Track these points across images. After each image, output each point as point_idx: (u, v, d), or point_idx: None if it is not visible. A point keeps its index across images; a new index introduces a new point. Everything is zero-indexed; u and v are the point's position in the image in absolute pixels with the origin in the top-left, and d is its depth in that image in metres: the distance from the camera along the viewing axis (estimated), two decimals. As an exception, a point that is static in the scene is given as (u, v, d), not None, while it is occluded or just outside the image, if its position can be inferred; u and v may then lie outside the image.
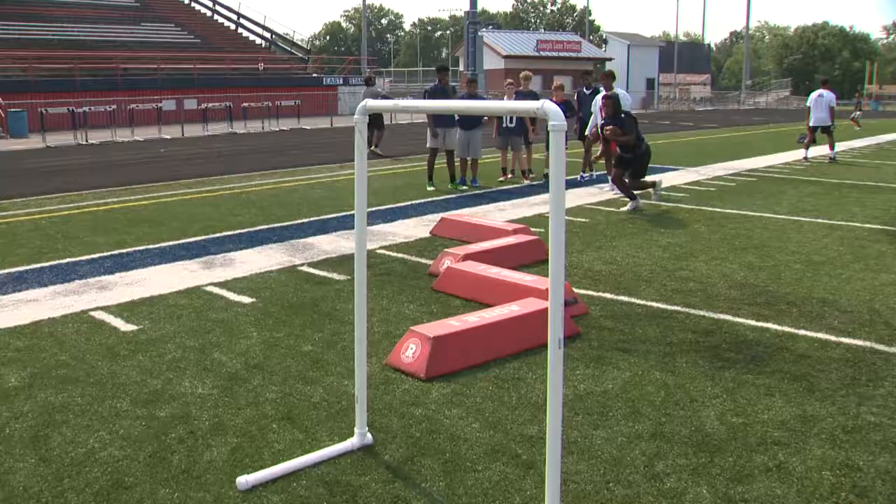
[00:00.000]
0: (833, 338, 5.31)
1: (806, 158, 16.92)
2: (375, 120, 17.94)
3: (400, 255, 7.82)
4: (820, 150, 17.92)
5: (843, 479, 3.43)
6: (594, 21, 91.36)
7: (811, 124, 17.14)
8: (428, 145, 12.78)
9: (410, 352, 4.71)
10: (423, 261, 7.56)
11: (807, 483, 3.40)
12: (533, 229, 8.44)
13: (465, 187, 12.69)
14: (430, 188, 12.38)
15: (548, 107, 2.58)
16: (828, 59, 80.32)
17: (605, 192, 12.02)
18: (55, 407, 4.22)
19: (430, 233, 8.88)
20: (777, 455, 3.65)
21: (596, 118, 12.43)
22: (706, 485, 3.39)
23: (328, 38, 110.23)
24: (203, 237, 8.74)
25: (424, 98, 14.28)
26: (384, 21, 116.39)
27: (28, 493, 3.33)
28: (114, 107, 25.45)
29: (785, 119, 36.47)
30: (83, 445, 3.76)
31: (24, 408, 4.20)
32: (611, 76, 12.80)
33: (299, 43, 47.30)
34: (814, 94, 17.36)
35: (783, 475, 3.47)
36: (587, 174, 13.81)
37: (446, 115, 12.31)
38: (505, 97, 13.92)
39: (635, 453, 3.67)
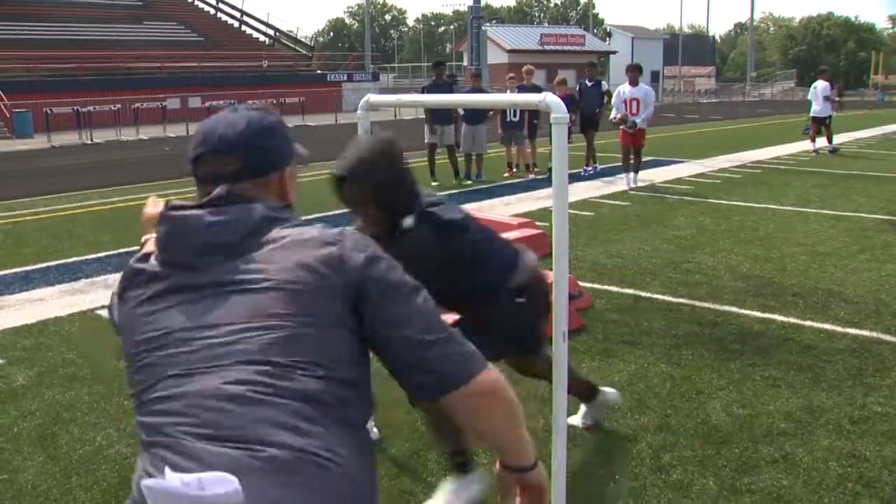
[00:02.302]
0: (839, 328, 5.30)
1: (815, 151, 16.73)
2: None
3: (405, 251, 7.80)
4: (819, 144, 17.90)
5: (849, 469, 3.43)
6: (598, 14, 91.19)
7: (812, 115, 17.03)
8: (426, 141, 12.72)
9: (416, 347, 4.70)
10: (428, 256, 7.55)
11: (813, 474, 3.40)
12: (538, 223, 8.43)
13: (469, 182, 12.69)
14: (433, 183, 12.36)
15: (550, 99, 2.58)
16: (833, 49, 79.98)
17: (610, 185, 12.00)
18: (62, 405, 4.24)
19: (435, 228, 8.86)
20: (783, 446, 3.65)
21: (617, 111, 11.88)
22: (712, 476, 3.39)
23: (332, 34, 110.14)
24: (208, 235, 8.73)
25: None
26: (388, 17, 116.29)
27: (37, 492, 3.35)
28: (118, 106, 25.50)
29: (790, 110, 36.35)
30: (91, 443, 3.78)
31: (32, 406, 4.23)
32: (637, 70, 12.09)
33: (303, 40, 47.22)
34: (812, 86, 17.28)
35: (790, 466, 3.46)
36: (591, 168, 13.64)
37: (443, 111, 12.23)
38: (507, 91, 13.81)
39: (641, 445, 3.67)
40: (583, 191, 11.47)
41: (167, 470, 1.19)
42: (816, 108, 16.78)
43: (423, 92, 12.66)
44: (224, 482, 1.15)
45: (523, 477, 1.52)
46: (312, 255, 1.43)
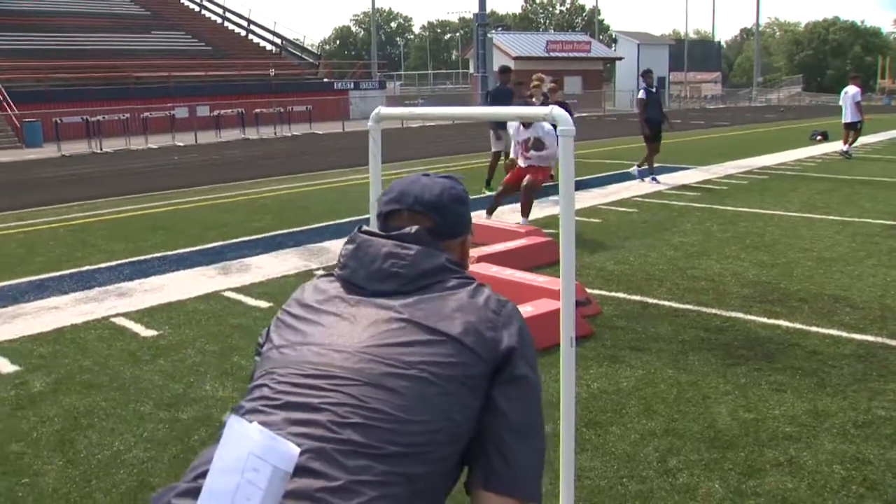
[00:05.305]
0: (844, 334, 5.35)
1: (847, 153, 16.79)
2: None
3: (413, 258, 7.86)
4: (833, 146, 17.95)
5: (853, 472, 3.48)
6: (603, 21, 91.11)
7: (844, 121, 17.03)
8: (493, 149, 12.72)
9: (426, 353, 4.76)
10: (437, 263, 7.61)
11: (818, 477, 3.45)
12: (546, 231, 8.50)
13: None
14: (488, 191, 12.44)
15: (556, 112, 2.65)
16: (839, 54, 79.84)
17: (617, 192, 12.04)
18: (80, 411, 4.32)
19: (443, 235, 8.89)
20: (788, 450, 3.70)
21: (518, 135, 9.16)
22: (718, 479, 3.44)
23: (338, 42, 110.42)
24: (219, 243, 8.84)
25: (487, 101, 14.15)
26: (393, 24, 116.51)
27: (57, 494, 3.43)
28: (127, 115, 25.66)
29: (796, 116, 36.34)
30: (109, 448, 3.86)
31: (51, 412, 4.31)
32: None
33: (309, 48, 47.35)
34: (843, 92, 17.29)
35: (794, 469, 3.52)
36: (650, 173, 13.33)
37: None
38: (533, 99, 13.53)
39: (648, 449, 3.74)
40: (590, 198, 11.53)
41: (255, 422, 1.26)
42: (847, 114, 16.82)
43: (487, 96, 12.61)
44: (288, 453, 1.21)
45: None
46: (474, 317, 1.48)
